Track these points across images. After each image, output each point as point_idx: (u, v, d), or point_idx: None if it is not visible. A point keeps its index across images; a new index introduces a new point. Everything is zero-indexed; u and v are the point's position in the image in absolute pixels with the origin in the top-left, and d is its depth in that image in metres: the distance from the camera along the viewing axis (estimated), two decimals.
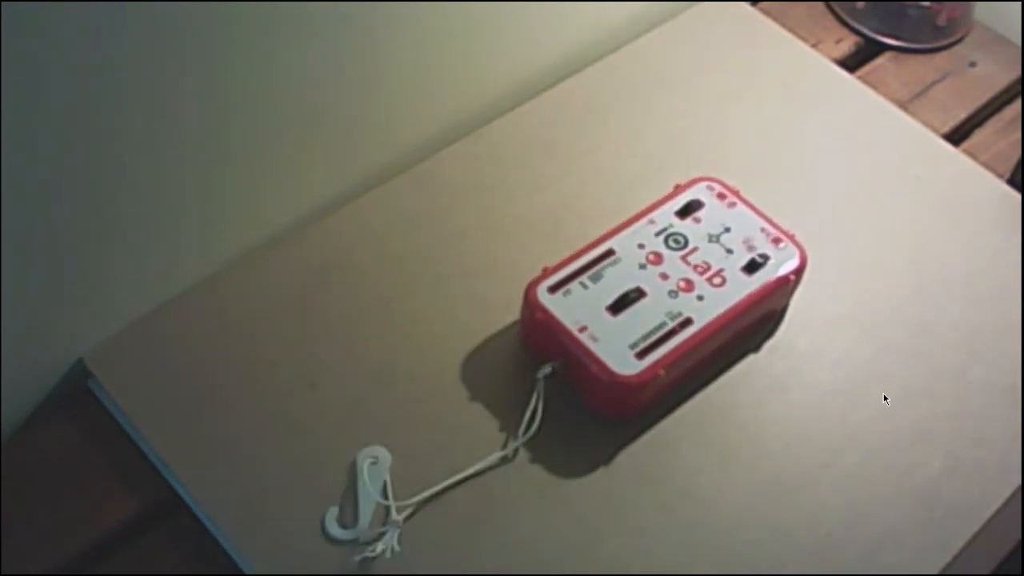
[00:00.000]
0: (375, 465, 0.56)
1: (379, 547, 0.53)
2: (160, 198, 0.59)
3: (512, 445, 0.57)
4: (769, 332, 0.64)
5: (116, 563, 0.55)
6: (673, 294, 0.59)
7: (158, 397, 0.59)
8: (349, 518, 0.55)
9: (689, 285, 0.59)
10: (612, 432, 0.59)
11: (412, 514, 0.55)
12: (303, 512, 0.55)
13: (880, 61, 0.82)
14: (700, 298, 0.59)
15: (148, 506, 0.57)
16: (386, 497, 0.55)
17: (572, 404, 0.59)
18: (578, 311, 0.58)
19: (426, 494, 0.55)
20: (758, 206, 0.64)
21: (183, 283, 0.63)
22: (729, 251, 0.61)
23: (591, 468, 0.58)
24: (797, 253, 0.61)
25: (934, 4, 0.82)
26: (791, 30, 0.81)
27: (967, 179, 0.73)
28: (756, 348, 0.63)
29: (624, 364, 0.56)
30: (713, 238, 0.61)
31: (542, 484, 0.57)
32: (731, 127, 0.74)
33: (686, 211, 0.63)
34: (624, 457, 0.58)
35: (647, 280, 0.59)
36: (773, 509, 0.57)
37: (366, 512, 0.55)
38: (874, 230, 0.69)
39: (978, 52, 0.83)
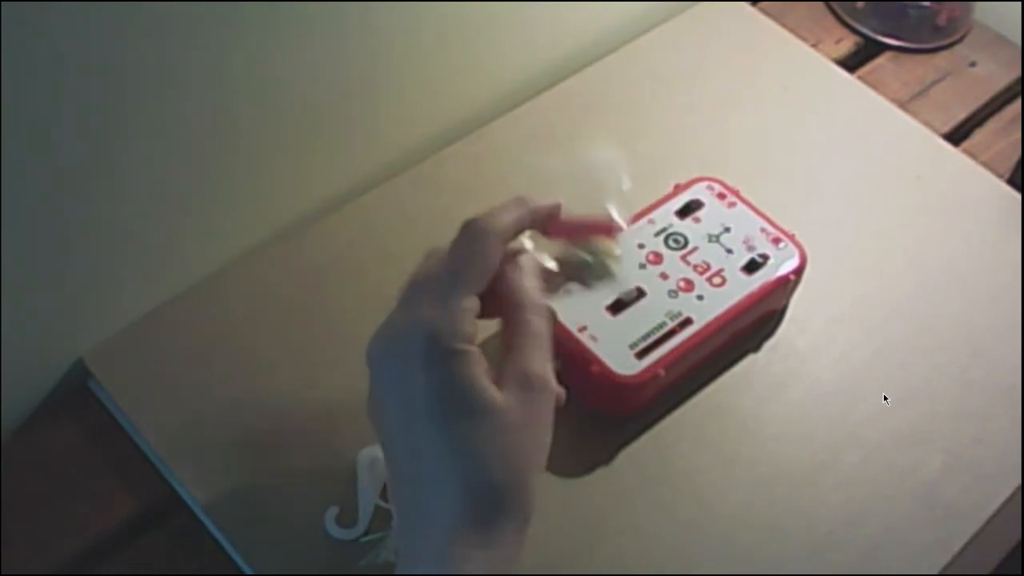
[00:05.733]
0: (375, 465, 0.56)
1: (381, 550, 0.53)
2: (160, 198, 0.59)
3: None
4: (769, 332, 0.64)
5: (116, 563, 0.55)
6: (673, 294, 0.59)
7: (158, 397, 0.59)
8: (349, 518, 0.55)
9: (689, 285, 0.59)
10: (612, 431, 0.59)
11: None
12: (303, 512, 0.55)
13: (880, 61, 0.82)
14: (700, 298, 0.59)
15: (148, 506, 0.57)
16: (386, 498, 0.55)
17: (572, 404, 0.59)
18: (577, 311, 0.58)
19: None
20: (758, 206, 0.64)
21: (183, 283, 0.63)
22: (729, 251, 0.61)
23: (591, 467, 0.58)
24: (797, 253, 0.61)
25: (934, 4, 0.82)
26: (791, 30, 0.81)
27: (967, 179, 0.73)
28: (756, 348, 0.63)
29: (624, 364, 0.56)
30: (713, 238, 0.61)
31: (542, 483, 0.57)
32: (731, 127, 0.74)
33: (686, 211, 0.63)
34: (624, 456, 0.58)
35: (647, 280, 0.59)
36: (773, 509, 0.57)
37: (366, 512, 0.55)
38: (874, 230, 0.69)
39: (978, 52, 0.83)
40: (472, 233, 0.46)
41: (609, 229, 0.54)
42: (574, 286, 0.53)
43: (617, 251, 0.53)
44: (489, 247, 0.46)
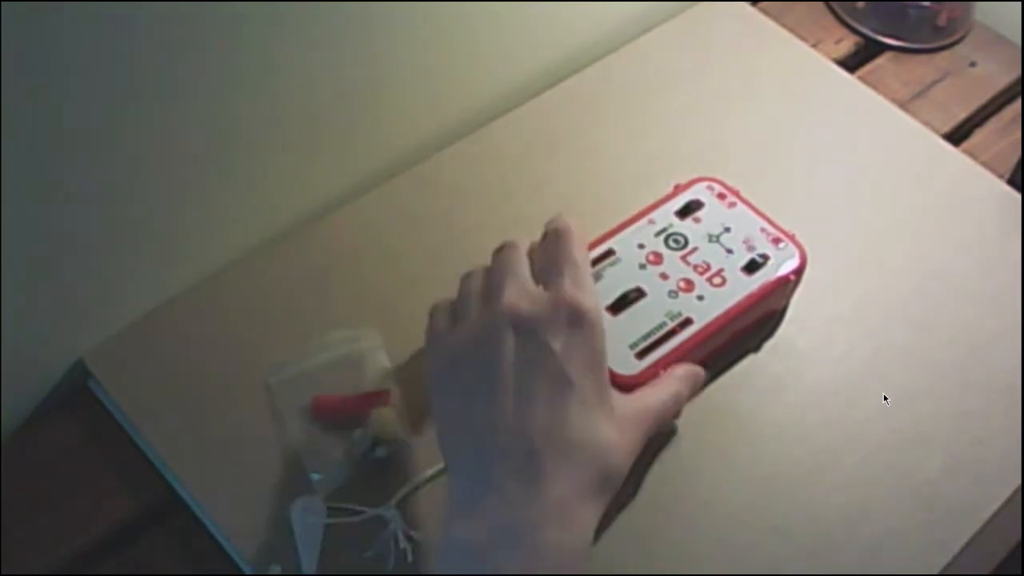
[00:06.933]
0: (309, 513, 0.54)
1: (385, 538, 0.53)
2: (160, 198, 0.59)
3: None
4: (769, 332, 0.64)
5: (116, 563, 0.55)
6: (673, 294, 0.59)
7: (158, 397, 0.59)
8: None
9: (689, 285, 0.59)
10: None
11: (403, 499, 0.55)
12: None
13: (880, 61, 0.82)
14: (700, 298, 0.59)
15: (148, 506, 0.57)
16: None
17: None
18: None
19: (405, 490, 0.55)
20: (758, 206, 0.64)
21: (183, 283, 0.63)
22: (729, 251, 0.61)
23: None
24: (797, 253, 0.61)
25: (934, 4, 0.82)
26: (791, 30, 0.81)
27: (967, 179, 0.73)
28: (756, 348, 0.63)
29: (624, 364, 0.56)
30: (713, 238, 0.61)
31: None
32: (731, 127, 0.74)
33: (686, 211, 0.63)
34: None
35: (647, 280, 0.59)
36: (773, 509, 0.57)
37: (310, 562, 0.53)
38: (874, 230, 0.69)
39: (978, 52, 0.83)
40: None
41: (378, 398, 0.57)
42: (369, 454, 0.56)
43: (393, 415, 0.57)
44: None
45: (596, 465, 0.44)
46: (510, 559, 0.42)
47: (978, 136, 0.78)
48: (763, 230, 0.62)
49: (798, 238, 0.62)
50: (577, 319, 0.46)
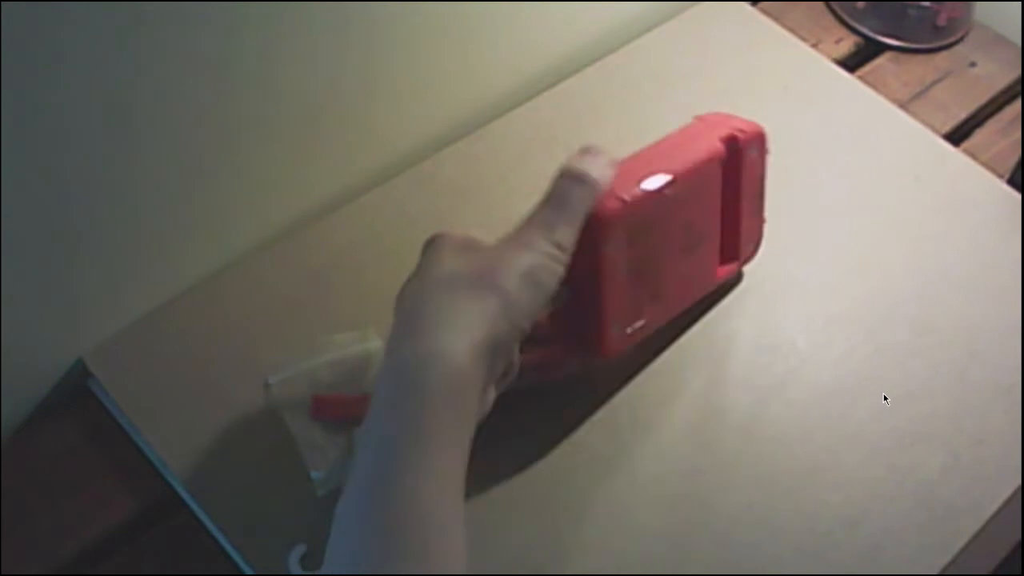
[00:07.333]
0: None
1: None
2: (160, 198, 0.59)
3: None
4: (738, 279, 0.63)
5: (116, 563, 0.55)
6: None
7: (158, 397, 0.59)
8: (314, 560, 0.53)
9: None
10: (611, 431, 0.59)
11: None
12: (303, 512, 0.55)
13: (880, 61, 0.82)
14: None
15: (148, 506, 0.57)
16: None
17: (572, 405, 0.59)
18: None
19: None
20: None
21: (183, 283, 0.63)
22: None
23: (590, 467, 0.58)
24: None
25: (934, 4, 0.82)
26: (791, 30, 0.81)
27: (967, 179, 0.73)
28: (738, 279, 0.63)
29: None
30: None
31: (541, 484, 0.57)
32: None
33: None
34: (623, 457, 0.58)
35: None
36: (773, 509, 0.57)
37: None
38: (874, 230, 0.69)
39: (978, 52, 0.83)
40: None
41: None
42: None
43: None
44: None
45: (455, 300, 0.50)
46: (397, 412, 0.45)
47: (978, 136, 0.78)
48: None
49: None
50: (428, 244, 0.53)
